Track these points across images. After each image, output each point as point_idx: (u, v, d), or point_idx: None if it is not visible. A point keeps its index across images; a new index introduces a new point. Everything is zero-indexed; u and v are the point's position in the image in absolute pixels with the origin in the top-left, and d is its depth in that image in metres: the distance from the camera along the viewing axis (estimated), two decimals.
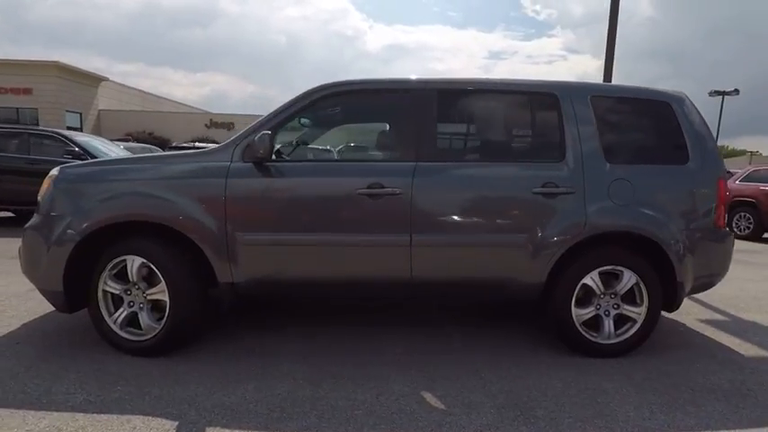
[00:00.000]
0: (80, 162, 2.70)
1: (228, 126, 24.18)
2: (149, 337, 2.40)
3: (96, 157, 6.10)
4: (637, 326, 2.61)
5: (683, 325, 3.24)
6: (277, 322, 2.94)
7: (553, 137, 2.60)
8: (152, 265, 2.36)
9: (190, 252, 2.41)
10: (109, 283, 2.42)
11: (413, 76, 2.57)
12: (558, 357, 2.59)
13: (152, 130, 23.18)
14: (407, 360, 2.48)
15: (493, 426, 1.90)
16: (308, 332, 2.80)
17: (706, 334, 3.07)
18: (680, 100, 2.73)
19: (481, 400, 2.10)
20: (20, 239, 2.50)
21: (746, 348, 2.84)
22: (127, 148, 9.02)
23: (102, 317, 2.44)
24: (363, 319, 3.06)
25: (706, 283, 2.74)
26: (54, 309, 2.52)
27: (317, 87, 2.56)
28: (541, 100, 2.64)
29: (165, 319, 2.38)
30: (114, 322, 2.44)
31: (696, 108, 2.75)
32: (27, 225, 2.48)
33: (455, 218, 2.48)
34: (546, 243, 2.48)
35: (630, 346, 2.62)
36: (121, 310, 2.44)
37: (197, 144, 11.88)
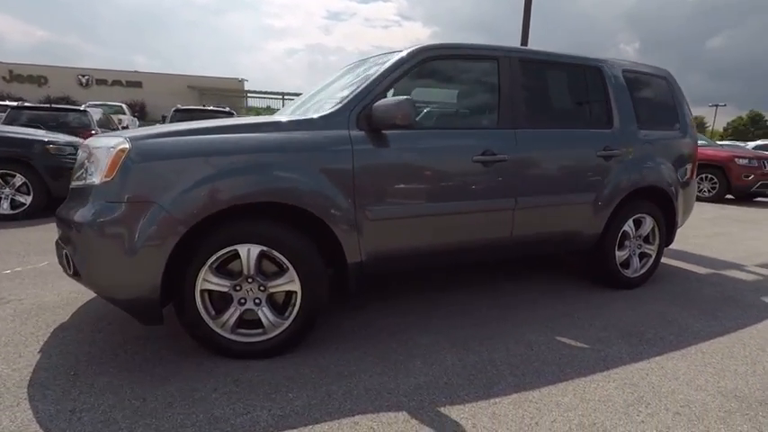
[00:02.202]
0: (146, 131, 2.02)
1: (39, 81, 19.19)
2: (274, 335, 2.07)
3: None
4: (651, 260, 3.28)
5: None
6: (367, 300, 2.79)
7: (603, 106, 2.99)
8: (276, 253, 2.01)
9: (314, 234, 2.12)
10: (211, 279, 1.98)
11: (504, 45, 2.63)
12: (604, 292, 3.10)
13: None
14: (530, 320, 2.67)
15: (635, 348, 2.26)
16: (424, 304, 2.75)
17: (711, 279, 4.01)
18: (671, 75, 3.40)
19: (603, 335, 2.45)
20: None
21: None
22: None
23: (202, 320, 2.00)
24: (455, 289, 3.11)
25: (682, 220, 3.56)
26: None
27: (421, 48, 2.42)
28: (592, 73, 2.99)
29: (294, 312, 2.07)
30: (222, 325, 2.02)
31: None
32: (89, 218, 1.81)
33: (545, 180, 2.71)
34: (605, 199, 2.91)
35: (646, 277, 3.29)
36: (232, 309, 2.02)
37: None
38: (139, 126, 15.41)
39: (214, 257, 1.97)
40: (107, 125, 10.10)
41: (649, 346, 2.34)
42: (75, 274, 1.91)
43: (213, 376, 1.92)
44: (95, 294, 2.77)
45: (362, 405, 1.75)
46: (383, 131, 2.24)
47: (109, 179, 1.83)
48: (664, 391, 1.93)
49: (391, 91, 2.39)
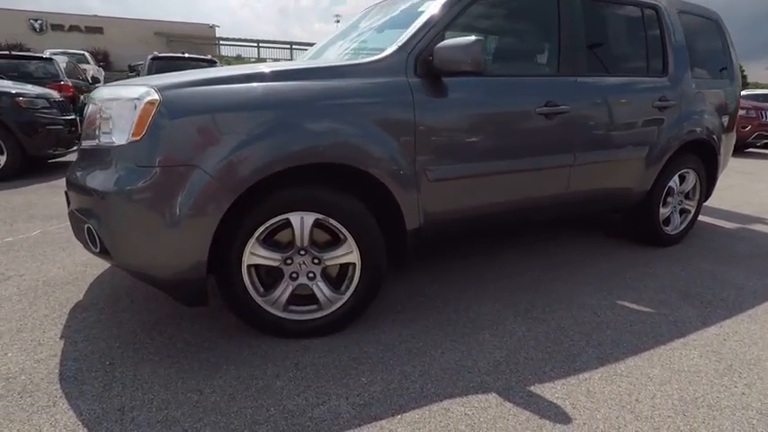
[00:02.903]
0: (170, 78, 1.67)
1: None
2: (330, 311, 1.86)
3: None
4: (690, 216, 3.18)
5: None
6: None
7: (659, 51, 2.74)
8: (332, 221, 1.76)
9: (371, 199, 1.87)
10: (259, 252, 1.73)
11: None
12: (645, 251, 3.00)
13: None
14: (583, 281, 2.52)
15: (701, 312, 2.17)
16: (470, 269, 2.57)
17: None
18: (721, 18, 3.15)
19: (662, 297, 2.34)
20: None
21: None
22: None
23: (251, 298, 1.77)
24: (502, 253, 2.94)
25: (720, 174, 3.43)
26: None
27: None
28: (649, 13, 2.71)
29: (352, 286, 1.86)
30: (273, 303, 1.79)
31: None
32: (117, 186, 1.50)
33: (602, 134, 2.49)
34: (657, 154, 2.73)
35: (685, 233, 3.20)
36: (283, 285, 1.79)
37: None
38: (105, 78, 14.20)
39: (262, 228, 1.71)
40: (74, 75, 9.22)
41: (713, 309, 2.25)
42: (103, 252, 1.62)
43: (270, 360, 1.72)
44: (107, 267, 2.51)
45: (445, 387, 1.59)
46: (444, 79, 1.95)
47: (137, 139, 1.51)
48: (749, 358, 1.84)
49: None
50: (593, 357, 1.81)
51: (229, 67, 2.10)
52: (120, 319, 1.99)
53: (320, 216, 1.75)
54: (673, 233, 3.11)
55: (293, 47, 25.51)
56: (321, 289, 1.83)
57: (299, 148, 1.63)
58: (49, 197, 3.95)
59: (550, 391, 1.59)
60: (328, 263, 1.82)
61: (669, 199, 3.02)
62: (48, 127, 4.83)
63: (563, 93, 2.27)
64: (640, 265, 2.76)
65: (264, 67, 1.76)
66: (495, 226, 2.39)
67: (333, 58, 2.47)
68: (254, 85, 1.66)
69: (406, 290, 2.35)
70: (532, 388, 1.61)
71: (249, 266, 1.75)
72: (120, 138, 1.55)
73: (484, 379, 1.65)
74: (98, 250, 1.64)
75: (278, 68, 1.77)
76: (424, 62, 1.90)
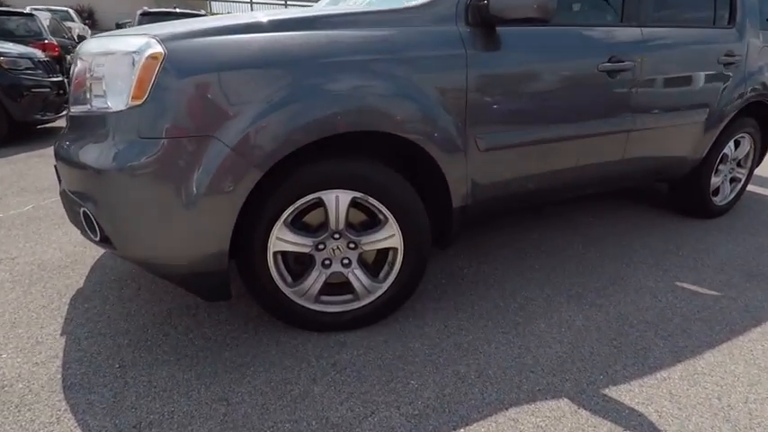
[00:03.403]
0: (171, 28, 1.35)
1: None
2: (367, 302, 1.63)
3: None
4: (739, 186, 2.92)
5: None
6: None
7: None
8: (372, 201, 1.50)
9: (412, 175, 1.61)
10: (287, 237, 1.48)
11: None
12: (693, 223, 2.76)
13: None
14: (635, 259, 2.31)
15: (754, 292, 1.98)
16: (508, 246, 2.34)
17: None
18: None
19: (724, 278, 2.12)
20: None
21: None
22: None
23: (278, 289, 1.53)
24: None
25: None
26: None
27: None
28: None
29: (393, 274, 1.62)
30: (303, 294, 1.56)
31: None
32: (116, 161, 1.22)
33: (664, 94, 2.19)
34: (717, 117, 2.44)
35: (733, 204, 2.95)
36: (315, 274, 1.55)
37: None
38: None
39: (291, 209, 1.45)
40: (59, 34, 8.64)
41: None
42: (105, 241, 1.37)
43: (303, 360, 1.50)
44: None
45: (508, 391, 1.39)
46: (499, 28, 1.64)
47: (139, 103, 1.22)
48: None
49: None
50: (665, 352, 1.60)
51: (244, 14, 1.76)
52: (127, 309, 1.76)
53: (358, 194, 1.48)
54: (721, 204, 2.86)
55: (287, 3, 24.23)
56: (358, 277, 1.59)
57: (335, 112, 1.34)
58: (41, 167, 3.65)
59: (628, 394, 1.39)
60: (366, 248, 1.57)
61: (721, 167, 2.76)
62: (33, 90, 4.45)
63: (627, 46, 1.96)
64: (692, 240, 2.53)
65: (286, 14, 1.44)
66: (547, 202, 2.13)
67: (360, 2, 2.13)
68: (279, 35, 1.35)
69: (443, 271, 2.12)
70: (607, 391, 1.40)
71: (276, 253, 1.50)
72: (116, 102, 1.26)
73: (550, 380, 1.44)
74: (98, 239, 1.38)
75: (303, 15, 1.45)
76: (476, 8, 1.58)
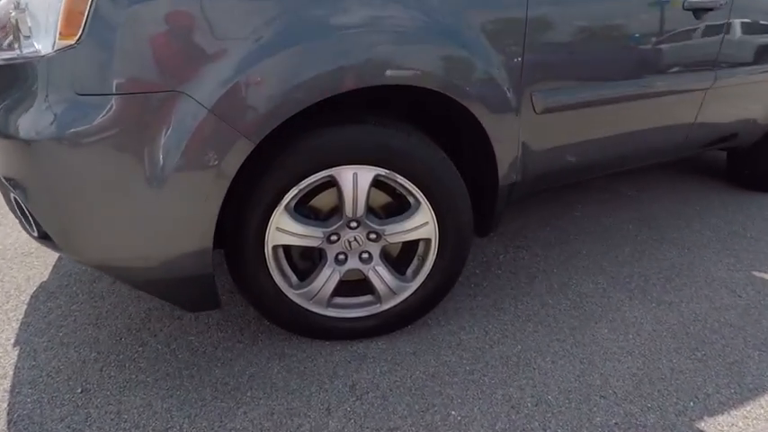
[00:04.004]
0: None
1: None
2: (391, 305, 1.30)
3: None
4: None
5: None
6: None
7: None
8: (401, 179, 1.15)
9: (449, 146, 1.25)
10: (289, 228, 1.14)
11: None
12: (752, 198, 2.40)
13: None
14: (697, 243, 1.97)
15: None
16: (546, 228, 2.00)
17: None
18: None
19: None
20: None
21: None
22: None
23: (281, 292, 1.21)
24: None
25: None
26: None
27: None
28: None
29: (424, 271, 1.28)
30: (312, 297, 1.24)
31: None
32: (46, 129, 0.86)
33: (747, 43, 1.78)
34: None
35: None
36: (327, 271, 1.22)
37: None
38: None
39: (294, 191, 1.10)
40: None
41: None
42: (44, 238, 1.03)
43: (313, 380, 1.20)
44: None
45: (577, 427, 1.08)
46: None
47: (71, 42, 0.85)
48: None
49: None
50: (764, 367, 1.29)
51: None
52: (98, 310, 1.45)
53: (383, 171, 1.13)
54: None
55: None
56: (381, 275, 1.26)
57: (352, 63, 0.97)
58: None
59: (731, 430, 1.09)
60: (391, 239, 1.23)
61: None
62: None
63: None
64: (759, 220, 2.18)
65: None
66: (603, 173, 1.76)
67: None
68: None
69: (475, 259, 1.79)
70: (704, 426, 1.10)
71: (276, 248, 1.17)
72: (45, 43, 0.89)
73: (628, 410, 1.13)
74: (37, 235, 1.04)
75: None
76: None
